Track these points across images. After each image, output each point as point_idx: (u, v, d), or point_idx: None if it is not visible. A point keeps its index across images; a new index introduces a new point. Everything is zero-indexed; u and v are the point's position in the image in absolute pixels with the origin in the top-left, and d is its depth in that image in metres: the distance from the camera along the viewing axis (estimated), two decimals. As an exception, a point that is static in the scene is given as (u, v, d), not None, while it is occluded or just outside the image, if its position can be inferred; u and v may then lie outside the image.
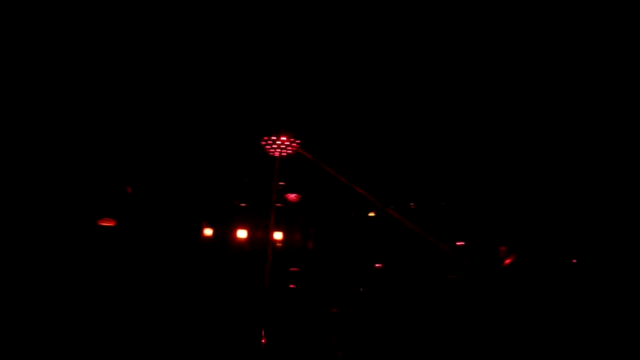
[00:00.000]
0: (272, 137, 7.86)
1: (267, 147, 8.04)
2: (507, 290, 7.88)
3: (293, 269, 10.04)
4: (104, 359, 6.42)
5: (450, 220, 11.00)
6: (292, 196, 12.44)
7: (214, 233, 12.94)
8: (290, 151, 8.00)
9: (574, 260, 8.53)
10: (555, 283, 7.87)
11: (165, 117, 11.02)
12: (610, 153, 8.63)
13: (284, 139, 7.97)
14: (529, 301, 7.46)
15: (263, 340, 6.89)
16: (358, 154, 11.67)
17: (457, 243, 10.64)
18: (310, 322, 7.52)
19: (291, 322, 7.60)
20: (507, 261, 8.78)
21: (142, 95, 10.70)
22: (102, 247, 11.38)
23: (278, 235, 12.77)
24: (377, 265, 10.26)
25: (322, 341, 6.84)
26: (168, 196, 12.28)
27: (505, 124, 10.08)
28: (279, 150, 8.03)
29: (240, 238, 12.89)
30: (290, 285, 9.20)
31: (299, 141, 8.13)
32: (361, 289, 6.67)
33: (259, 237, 12.81)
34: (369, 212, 12.10)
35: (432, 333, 6.87)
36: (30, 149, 10.56)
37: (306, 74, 9.54)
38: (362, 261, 10.32)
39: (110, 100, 10.65)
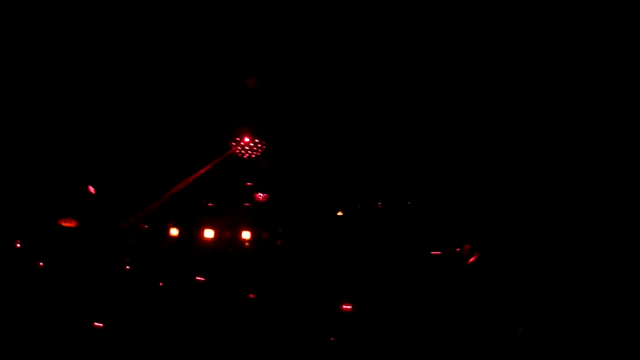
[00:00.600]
0: (245, 139, 7.88)
1: (237, 149, 8.06)
2: (471, 288, 8.12)
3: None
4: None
5: (417, 219, 11.22)
6: (260, 196, 12.43)
7: (180, 233, 12.77)
8: (258, 153, 8.06)
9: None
10: (521, 280, 8.12)
11: (130, 115, 10.81)
12: (581, 153, 8.89)
13: (256, 140, 8.00)
14: (493, 299, 7.70)
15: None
16: (325, 153, 11.74)
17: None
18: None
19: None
20: (472, 259, 9.03)
21: (106, 94, 10.47)
22: (63, 249, 11.08)
23: (246, 235, 12.71)
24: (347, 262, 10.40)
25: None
26: (132, 196, 12.04)
27: (472, 121, 10.30)
28: (249, 152, 8.05)
29: (207, 238, 12.75)
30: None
31: (264, 142, 8.18)
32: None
33: (227, 237, 12.73)
34: (337, 212, 12.23)
35: (404, 332, 7.01)
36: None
37: (273, 71, 9.50)
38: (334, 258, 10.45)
39: (74, 98, 10.38)
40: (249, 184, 12.71)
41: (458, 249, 9.15)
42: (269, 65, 9.87)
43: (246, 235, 13.26)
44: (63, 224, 12.70)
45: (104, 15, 8.98)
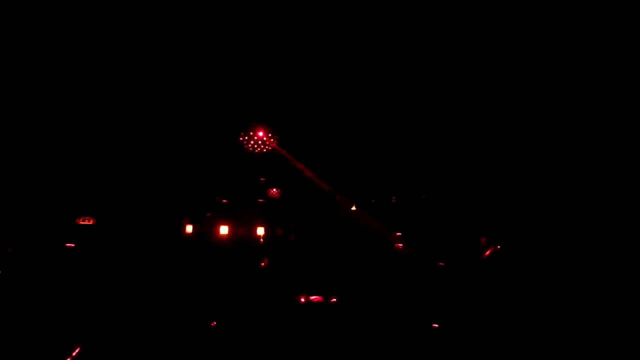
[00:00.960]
0: (250, 134, 7.85)
1: (245, 143, 8.04)
2: (487, 283, 7.96)
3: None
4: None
5: (430, 213, 11.08)
6: (273, 191, 12.39)
7: (195, 230, 12.85)
8: (269, 148, 8.01)
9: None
10: (537, 275, 7.94)
11: (143, 114, 10.88)
12: (592, 148, 8.70)
13: (261, 134, 7.96)
14: (510, 293, 7.53)
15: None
16: (338, 148, 11.65)
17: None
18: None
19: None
20: (487, 253, 8.87)
21: (119, 92, 10.55)
22: (81, 247, 11.23)
23: (260, 231, 12.71)
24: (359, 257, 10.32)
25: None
26: (147, 194, 12.14)
27: (483, 116, 10.13)
28: (257, 146, 8.03)
29: (222, 234, 12.79)
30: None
31: (276, 137, 8.14)
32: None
33: (242, 234, 12.75)
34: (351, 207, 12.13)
35: (413, 328, 6.91)
36: (7, 148, 10.38)
37: (283, 67, 9.46)
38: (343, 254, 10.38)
39: (87, 98, 10.48)
40: (262, 179, 12.70)
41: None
42: (282, 61, 9.83)
43: (260, 231, 13.28)
44: (81, 222, 12.89)
45: (124, 19, 9.07)
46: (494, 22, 8.85)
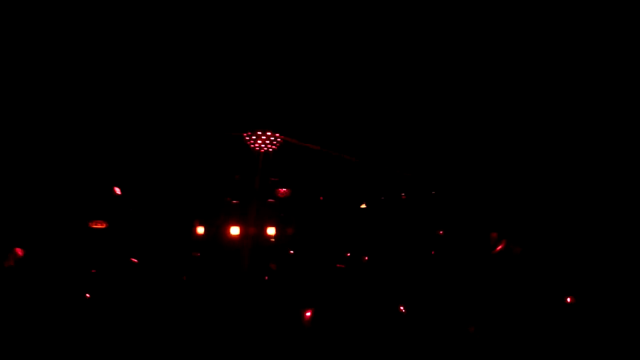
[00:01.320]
0: (257, 132, 7.85)
1: (250, 142, 8.04)
2: (498, 278, 7.86)
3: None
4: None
5: (441, 208, 11.00)
6: (282, 191, 12.39)
7: (206, 231, 12.91)
8: (274, 146, 8.01)
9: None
10: (548, 270, 7.84)
11: (151, 115, 10.95)
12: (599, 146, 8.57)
13: (269, 134, 7.96)
14: (521, 289, 7.44)
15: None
16: (345, 143, 11.63)
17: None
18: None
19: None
20: (499, 248, 8.76)
21: (127, 93, 10.63)
22: (94, 250, 11.33)
23: (271, 231, 12.72)
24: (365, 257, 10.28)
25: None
26: (158, 196, 12.22)
27: (493, 111, 10.04)
28: (263, 145, 8.02)
29: (233, 235, 12.81)
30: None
31: (280, 138, 8.12)
32: None
33: (252, 234, 12.76)
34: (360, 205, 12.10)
35: (423, 325, 6.85)
36: (17, 149, 10.51)
37: (286, 66, 9.44)
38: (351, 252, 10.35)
39: (95, 99, 10.58)
40: (273, 179, 12.70)
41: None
42: (289, 57, 9.82)
43: (271, 231, 13.29)
44: (93, 226, 13.03)
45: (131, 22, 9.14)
46: (512, 18, 8.74)
